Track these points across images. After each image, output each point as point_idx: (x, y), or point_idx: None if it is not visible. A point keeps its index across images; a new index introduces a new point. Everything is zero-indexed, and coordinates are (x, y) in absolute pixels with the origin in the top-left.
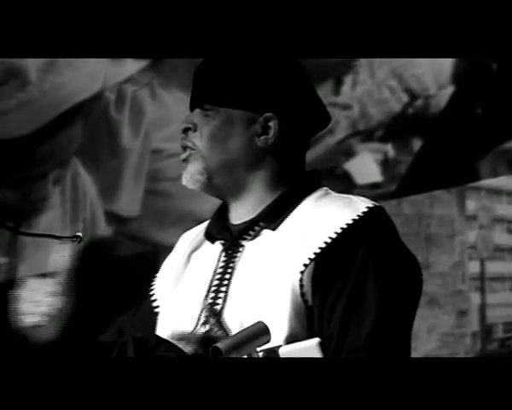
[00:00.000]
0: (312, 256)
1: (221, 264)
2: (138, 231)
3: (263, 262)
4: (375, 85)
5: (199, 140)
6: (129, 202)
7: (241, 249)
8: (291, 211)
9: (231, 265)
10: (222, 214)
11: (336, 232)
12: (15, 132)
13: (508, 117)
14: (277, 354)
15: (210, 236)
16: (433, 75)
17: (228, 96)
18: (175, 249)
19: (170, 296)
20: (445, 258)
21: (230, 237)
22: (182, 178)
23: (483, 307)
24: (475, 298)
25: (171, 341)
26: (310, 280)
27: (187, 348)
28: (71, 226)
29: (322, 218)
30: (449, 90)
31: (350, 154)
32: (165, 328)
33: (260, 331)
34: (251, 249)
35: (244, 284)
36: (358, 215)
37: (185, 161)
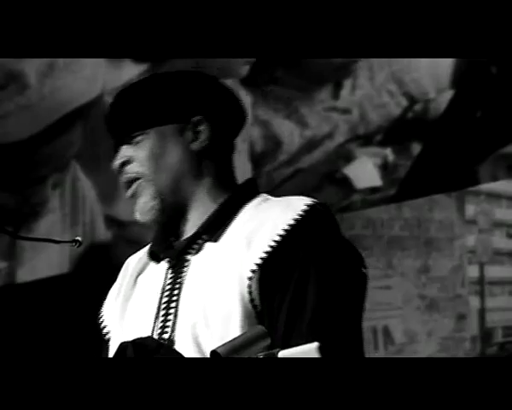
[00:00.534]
0: (259, 262)
1: (168, 281)
2: (138, 235)
3: (209, 274)
4: (374, 89)
5: (140, 167)
6: (128, 206)
7: (186, 264)
8: (231, 220)
9: (179, 280)
10: (165, 233)
11: (279, 234)
12: (15, 136)
13: (507, 121)
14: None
15: (155, 255)
16: (433, 79)
17: (152, 115)
18: (120, 275)
19: (119, 322)
20: (445, 262)
21: (174, 254)
22: (134, 212)
23: (482, 311)
24: (475, 302)
25: (170, 345)
26: (257, 286)
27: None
28: (70, 230)
29: (264, 222)
30: (448, 94)
31: (349, 158)
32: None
33: (259, 336)
34: (196, 263)
35: (193, 297)
36: (299, 214)
37: (133, 195)
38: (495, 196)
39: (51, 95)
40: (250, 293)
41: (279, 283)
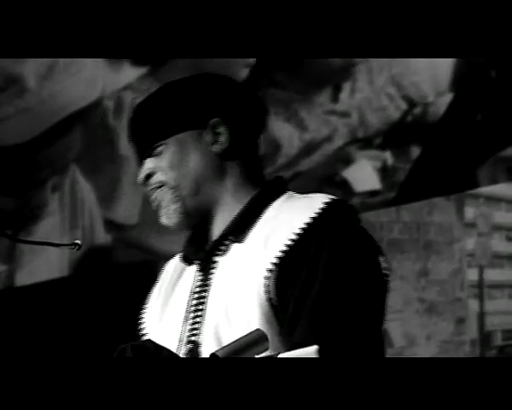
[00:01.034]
0: (275, 261)
1: (197, 283)
2: (137, 238)
3: (232, 275)
4: (373, 93)
5: (163, 176)
6: (128, 209)
7: (214, 266)
8: (256, 221)
9: (207, 282)
10: (195, 236)
11: (296, 233)
12: (14, 139)
13: (506, 124)
14: None
15: (187, 258)
16: (432, 82)
17: (168, 125)
18: (160, 278)
19: (157, 325)
20: (444, 265)
21: (203, 256)
22: (161, 219)
23: (482, 315)
24: (474, 305)
25: (169, 348)
26: (274, 285)
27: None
28: (69, 233)
29: (283, 222)
30: (447, 98)
31: (348, 161)
32: None
33: (258, 339)
34: (224, 265)
35: (220, 299)
36: (316, 213)
37: (158, 204)
38: (494, 200)
39: (50, 98)
40: (267, 292)
41: (295, 282)
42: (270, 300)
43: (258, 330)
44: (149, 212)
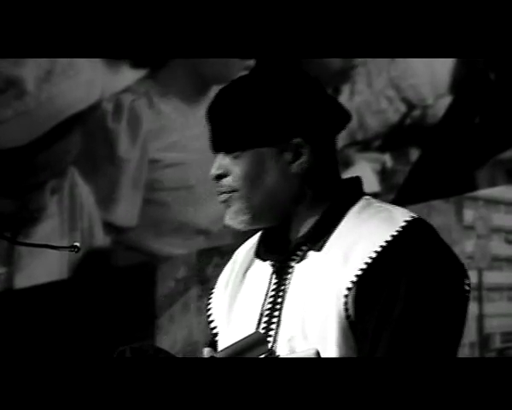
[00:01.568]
0: (354, 279)
1: (272, 287)
2: (136, 240)
3: (309, 286)
4: (372, 95)
5: (235, 183)
6: (127, 211)
7: (290, 271)
8: (334, 228)
9: (282, 288)
10: (269, 236)
11: (376, 251)
12: (13, 142)
13: (505, 127)
14: None
15: (260, 256)
16: (431, 85)
17: (252, 137)
18: (229, 266)
19: (227, 317)
20: None
21: (279, 259)
22: (225, 216)
23: (481, 317)
24: (473, 308)
25: (169, 351)
26: (353, 303)
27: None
28: (68, 236)
29: (362, 237)
30: (446, 100)
31: (348, 163)
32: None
33: (258, 341)
34: (299, 271)
35: (294, 309)
36: (397, 230)
37: (225, 202)
38: (493, 202)
39: (49, 100)
40: (346, 310)
41: (372, 299)
42: (348, 317)
43: (257, 332)
44: (148, 214)
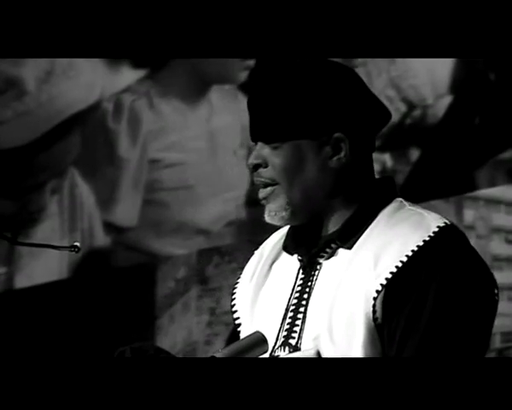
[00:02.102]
0: (384, 282)
1: (299, 282)
2: (136, 240)
3: (337, 285)
4: None
5: (274, 174)
6: (127, 212)
7: (318, 267)
8: (366, 227)
9: (309, 284)
10: (297, 230)
11: (407, 255)
12: (13, 142)
13: (506, 127)
14: None
15: (288, 250)
16: (431, 85)
17: (293, 129)
18: (254, 258)
19: (251, 309)
20: None
21: (307, 254)
22: (264, 214)
23: None
24: None
25: (169, 351)
26: (381, 306)
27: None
28: (69, 236)
29: (393, 240)
30: (446, 100)
31: None
32: None
33: (258, 341)
34: (327, 268)
35: (320, 307)
36: (429, 236)
37: (265, 199)
38: (493, 202)
39: (49, 101)
40: (374, 312)
41: (401, 303)
42: (376, 320)
43: (257, 332)
44: (148, 214)
